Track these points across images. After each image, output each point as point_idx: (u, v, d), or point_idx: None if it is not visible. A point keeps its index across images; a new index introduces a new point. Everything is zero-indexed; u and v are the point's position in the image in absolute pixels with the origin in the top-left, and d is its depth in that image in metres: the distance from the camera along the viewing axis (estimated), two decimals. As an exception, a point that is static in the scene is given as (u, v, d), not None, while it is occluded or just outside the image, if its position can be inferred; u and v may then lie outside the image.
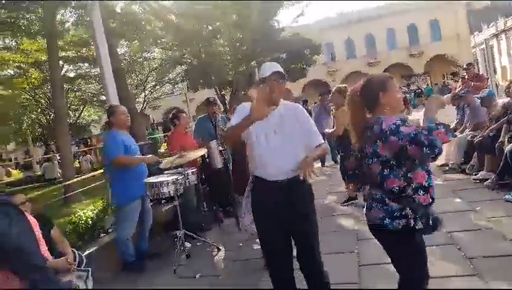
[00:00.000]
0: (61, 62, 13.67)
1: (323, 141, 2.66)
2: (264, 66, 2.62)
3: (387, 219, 2.07)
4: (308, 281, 2.59)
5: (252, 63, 15.74)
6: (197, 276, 3.93)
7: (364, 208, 2.27)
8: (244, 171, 6.08)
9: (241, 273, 3.84)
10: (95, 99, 20.03)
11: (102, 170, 6.64)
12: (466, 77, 7.95)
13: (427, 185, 2.07)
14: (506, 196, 4.64)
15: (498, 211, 4.34)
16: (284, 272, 2.59)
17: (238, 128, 2.45)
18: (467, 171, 6.18)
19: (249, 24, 14.34)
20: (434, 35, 40.40)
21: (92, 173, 9.27)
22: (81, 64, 17.85)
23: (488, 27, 43.31)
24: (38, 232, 2.08)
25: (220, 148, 5.58)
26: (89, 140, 28.50)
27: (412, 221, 2.04)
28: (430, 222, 2.09)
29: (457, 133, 6.96)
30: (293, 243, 2.58)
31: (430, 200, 2.09)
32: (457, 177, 6.11)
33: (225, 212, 5.81)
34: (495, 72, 34.04)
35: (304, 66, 19.34)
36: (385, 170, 2.07)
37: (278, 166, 2.45)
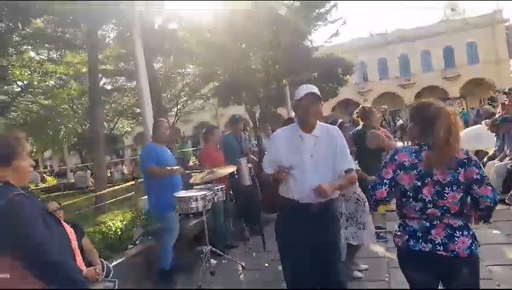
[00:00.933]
0: (100, 75, 14.22)
1: (353, 167, 2.64)
2: (300, 88, 2.62)
3: (474, 245, 2.08)
4: None
5: (283, 81, 15.81)
6: (221, 294, 3.89)
7: (429, 243, 2.09)
8: (271, 190, 6.08)
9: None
10: (130, 111, 20.66)
11: (133, 181, 6.76)
12: (506, 102, 7.66)
13: None
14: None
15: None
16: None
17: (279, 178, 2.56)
18: (506, 201, 5.88)
19: (283, 43, 14.47)
20: (471, 58, 39.38)
21: (123, 184, 9.47)
22: (118, 77, 18.54)
23: (529, 51, 41.84)
24: (74, 241, 2.12)
25: (249, 165, 5.59)
26: (121, 151, 29.30)
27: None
28: None
29: (496, 161, 6.68)
30: None
31: None
32: (496, 208, 5.80)
33: (252, 230, 5.76)
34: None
35: (336, 86, 19.25)
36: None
37: (311, 190, 2.43)
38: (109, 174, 19.78)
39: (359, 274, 3.88)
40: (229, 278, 4.32)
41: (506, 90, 8.23)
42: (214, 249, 4.59)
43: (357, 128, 5.02)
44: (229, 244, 5.32)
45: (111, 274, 3.40)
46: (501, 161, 6.47)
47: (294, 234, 2.52)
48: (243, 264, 4.60)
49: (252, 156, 5.97)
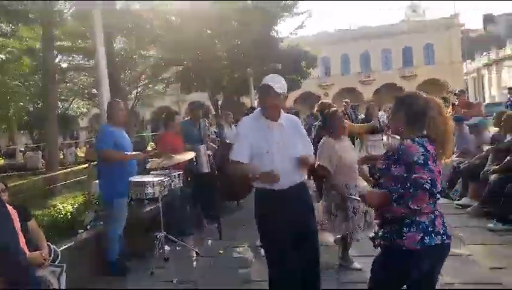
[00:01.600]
0: (55, 52, 13.49)
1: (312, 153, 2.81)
2: (266, 79, 2.62)
3: None
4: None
5: (248, 69, 15.77)
6: (174, 281, 3.87)
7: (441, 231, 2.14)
8: (229, 179, 6.08)
9: (219, 281, 3.78)
10: (86, 92, 19.81)
11: (86, 165, 6.53)
12: (457, 103, 8.10)
13: None
14: (489, 225, 4.69)
15: (479, 238, 4.39)
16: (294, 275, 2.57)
17: (245, 172, 2.66)
18: (450, 196, 6.24)
19: (249, 32, 14.40)
20: (428, 59, 41.15)
21: (76, 167, 9.13)
22: (75, 55, 17.67)
23: (480, 56, 44.35)
24: (17, 224, 2.02)
25: (208, 152, 5.56)
26: (75, 132, 28.15)
27: None
28: None
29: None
30: None
31: None
32: (440, 202, 6.13)
33: (208, 218, 5.75)
34: (484, 101, 34.70)
35: (299, 78, 19.47)
36: None
37: (286, 176, 2.53)
38: (62, 156, 18.97)
39: (358, 266, 3.67)
40: (183, 265, 4.30)
41: (457, 91, 8.71)
42: (168, 235, 4.54)
43: (317, 122, 5.16)
44: (185, 231, 5.27)
45: (58, 259, 3.29)
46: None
47: (275, 221, 2.56)
48: (197, 251, 4.59)
49: (211, 143, 5.94)
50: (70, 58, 18.17)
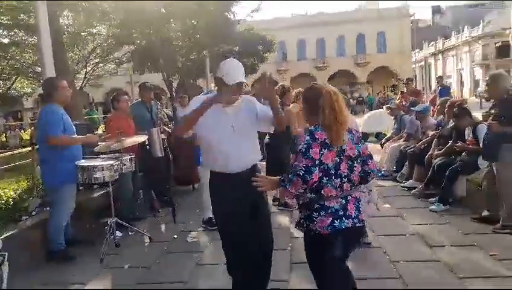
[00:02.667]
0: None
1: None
2: (224, 64, 2.53)
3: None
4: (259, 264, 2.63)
5: (204, 52, 15.45)
6: (126, 267, 3.78)
7: (355, 217, 2.24)
8: (184, 162, 5.98)
9: (173, 266, 3.75)
10: (30, 70, 18.54)
11: (30, 148, 6.16)
12: (405, 91, 8.46)
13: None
14: (432, 206, 4.98)
15: (422, 219, 4.66)
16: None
17: (196, 114, 2.43)
18: (397, 178, 6.56)
19: (205, 12, 14.05)
20: (380, 47, 42.50)
21: (19, 150, 8.57)
22: (17, 30, 16.43)
23: (428, 45, 46.51)
24: None
25: (162, 136, 5.42)
26: (19, 113, 26.48)
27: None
28: None
29: (391, 142, 7.38)
30: None
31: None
32: (388, 184, 6.46)
33: (162, 202, 5.66)
34: (430, 88, 36.62)
35: (256, 62, 19.38)
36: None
37: (240, 160, 2.52)
38: (4, 139, 17.82)
39: None
40: (135, 250, 4.21)
41: (405, 80, 9.08)
42: (119, 221, 4.42)
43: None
44: (137, 216, 5.16)
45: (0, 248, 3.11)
46: (396, 143, 7.17)
47: (228, 203, 2.53)
48: (150, 236, 4.51)
49: (164, 127, 5.79)
50: (12, 33, 16.87)
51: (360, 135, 2.42)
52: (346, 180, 2.17)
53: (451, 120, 5.49)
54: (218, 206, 2.65)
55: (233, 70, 2.48)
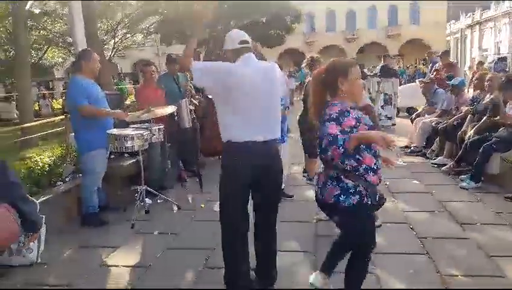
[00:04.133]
0: (25, -4, 12.65)
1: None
2: (233, 34, 2.54)
3: (342, 196, 2.16)
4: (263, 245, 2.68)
5: (231, 22, 15.28)
6: (155, 233, 3.91)
7: (316, 186, 2.34)
8: (211, 133, 6.02)
9: (200, 233, 3.84)
10: (61, 40, 18.88)
11: (63, 116, 6.34)
12: (440, 64, 8.12)
13: (375, 167, 2.18)
14: (462, 184, 4.86)
15: (452, 196, 4.56)
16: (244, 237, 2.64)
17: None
18: (427, 155, 6.41)
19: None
20: (412, 19, 40.70)
21: (52, 119, 8.86)
22: (48, 0, 16.66)
23: (465, 17, 44.14)
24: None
25: (190, 107, 5.46)
26: (50, 83, 27.11)
27: (364, 198, 2.15)
28: (377, 199, 2.23)
29: (423, 118, 7.17)
30: None
31: (378, 181, 2.22)
32: (418, 160, 6.32)
33: (189, 172, 5.76)
34: (465, 63, 35.05)
35: (283, 33, 19.01)
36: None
37: (262, 128, 2.45)
38: (37, 108, 18.40)
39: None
40: (164, 217, 4.34)
41: (440, 53, 8.69)
42: (149, 189, 4.54)
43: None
44: (166, 185, 5.28)
45: (37, 209, 3.26)
46: (427, 118, 6.96)
47: (241, 174, 2.46)
48: (178, 204, 4.62)
49: (191, 99, 5.81)
50: (44, 3, 17.12)
51: (328, 116, 2.15)
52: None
53: (488, 95, 5.26)
54: (237, 176, 2.50)
55: (233, 37, 2.52)
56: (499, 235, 3.51)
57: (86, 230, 4.04)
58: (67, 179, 4.61)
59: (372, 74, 10.73)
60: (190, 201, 4.88)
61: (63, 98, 20.22)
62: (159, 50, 22.12)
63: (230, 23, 15.39)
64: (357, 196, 2.15)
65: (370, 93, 10.06)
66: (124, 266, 3.26)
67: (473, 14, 42.92)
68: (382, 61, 10.34)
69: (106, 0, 15.28)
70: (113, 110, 4.34)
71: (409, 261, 3.09)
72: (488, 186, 4.78)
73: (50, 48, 20.45)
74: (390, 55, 13.16)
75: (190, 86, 5.79)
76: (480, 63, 15.93)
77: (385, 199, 2.35)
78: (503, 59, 23.30)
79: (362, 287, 2.40)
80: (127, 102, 10.51)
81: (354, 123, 2.11)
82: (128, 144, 4.15)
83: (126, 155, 5.00)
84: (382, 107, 9.65)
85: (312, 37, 41.35)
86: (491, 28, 40.56)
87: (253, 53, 2.56)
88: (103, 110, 4.14)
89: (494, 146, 4.78)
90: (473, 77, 8.94)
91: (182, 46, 18.04)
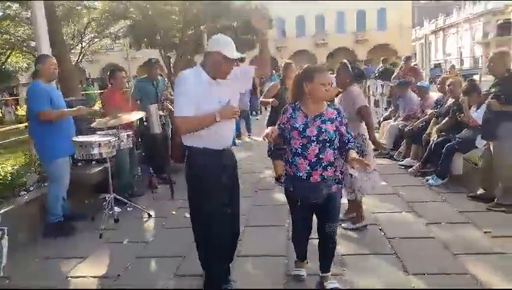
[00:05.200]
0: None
1: None
2: (222, 40, 2.48)
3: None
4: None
5: (201, 27, 15.20)
6: (125, 241, 3.82)
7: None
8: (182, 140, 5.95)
9: (171, 241, 3.79)
10: (25, 44, 18.19)
11: (26, 124, 6.11)
12: (403, 69, 8.39)
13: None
14: (430, 181, 5.04)
15: (418, 196, 4.70)
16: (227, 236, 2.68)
17: (200, 127, 2.41)
18: (394, 157, 6.58)
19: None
20: (380, 24, 41.78)
21: (16, 126, 8.53)
22: (11, 3, 16.04)
23: (429, 23, 45.80)
24: None
25: (160, 113, 5.39)
26: (14, 89, 26.17)
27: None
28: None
29: (390, 121, 7.36)
30: None
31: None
32: (385, 163, 6.48)
33: (160, 179, 5.67)
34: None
35: (254, 38, 19.05)
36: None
37: (228, 136, 2.59)
38: (0, 115, 17.69)
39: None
40: (133, 226, 4.25)
41: (403, 58, 8.98)
42: (118, 197, 4.44)
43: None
44: (136, 192, 5.18)
45: (-1, 222, 3.12)
46: (394, 122, 7.15)
47: (212, 180, 2.52)
48: (148, 212, 4.54)
49: (167, 103, 5.74)
50: (6, 6, 16.47)
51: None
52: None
53: (450, 99, 5.47)
54: (197, 181, 2.59)
55: (232, 45, 2.47)
56: (463, 233, 3.63)
57: (51, 241, 3.90)
58: (31, 189, 4.44)
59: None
60: (161, 208, 4.81)
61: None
62: (128, 54, 21.68)
63: (200, 28, 15.31)
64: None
65: (374, 96, 10.27)
66: (91, 277, 3.17)
67: (437, 20, 44.63)
68: (381, 65, 10.55)
69: (70, 0, 14.87)
70: (72, 109, 4.21)
71: (378, 262, 3.16)
72: (453, 186, 4.96)
73: (13, 53, 19.68)
74: (359, 59, 13.40)
75: (169, 92, 5.78)
76: (453, 67, 16.62)
77: None
78: (437, 65, 24.46)
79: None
80: (95, 107, 10.24)
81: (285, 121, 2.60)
82: (95, 151, 4.05)
83: (93, 162, 4.88)
84: (386, 109, 9.67)
85: (283, 42, 41.71)
86: (453, 34, 42.30)
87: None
88: (65, 111, 4.05)
89: (456, 146, 4.97)
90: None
91: (152, 50, 17.81)
